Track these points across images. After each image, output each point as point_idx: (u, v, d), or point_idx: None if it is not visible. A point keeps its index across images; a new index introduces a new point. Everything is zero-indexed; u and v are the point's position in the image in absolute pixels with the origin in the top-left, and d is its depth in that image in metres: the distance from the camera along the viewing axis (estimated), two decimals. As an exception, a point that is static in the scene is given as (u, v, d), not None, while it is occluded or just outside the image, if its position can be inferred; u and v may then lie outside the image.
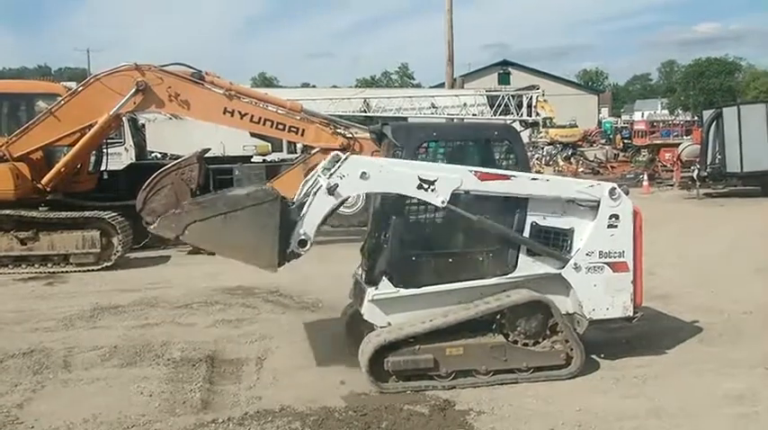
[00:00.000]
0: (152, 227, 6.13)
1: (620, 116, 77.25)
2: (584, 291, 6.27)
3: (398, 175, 5.97)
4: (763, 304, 8.66)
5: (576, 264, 6.23)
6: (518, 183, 6.13)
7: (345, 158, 6.00)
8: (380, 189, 6.14)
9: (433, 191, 5.92)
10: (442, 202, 5.94)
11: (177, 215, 5.92)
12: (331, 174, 5.91)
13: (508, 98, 21.48)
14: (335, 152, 6.27)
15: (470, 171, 6.02)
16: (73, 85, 15.21)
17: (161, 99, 12.19)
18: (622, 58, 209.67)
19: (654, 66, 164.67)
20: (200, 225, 5.85)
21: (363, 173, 5.90)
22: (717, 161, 22.15)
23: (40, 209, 12.22)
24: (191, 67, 12.73)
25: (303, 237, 5.94)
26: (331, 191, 5.87)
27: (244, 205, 5.81)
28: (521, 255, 6.21)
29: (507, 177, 6.11)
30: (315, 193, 5.98)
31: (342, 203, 6.16)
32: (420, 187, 5.92)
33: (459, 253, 6.26)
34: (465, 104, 21.09)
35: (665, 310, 8.39)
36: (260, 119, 12.72)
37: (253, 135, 15.64)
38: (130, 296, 9.81)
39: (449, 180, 5.94)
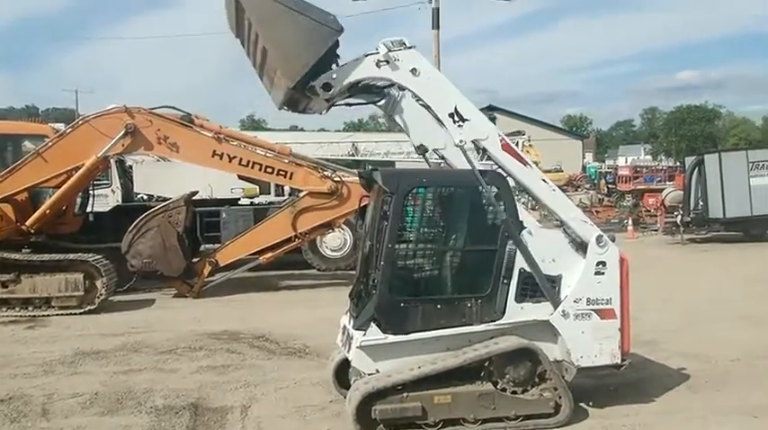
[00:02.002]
0: None
1: (604, 161, 78.35)
2: (573, 339, 6.26)
3: (441, 92, 6.18)
4: (750, 351, 8.68)
5: (563, 310, 6.23)
6: (528, 174, 6.34)
7: (409, 47, 6.12)
8: (418, 92, 6.20)
9: (459, 126, 6.12)
10: (461, 141, 6.09)
11: None
12: (388, 51, 6.00)
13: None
14: (403, 38, 6.25)
15: (499, 134, 6.25)
16: (61, 126, 15.23)
17: (150, 141, 12.23)
18: (605, 105, 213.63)
19: (636, 112, 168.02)
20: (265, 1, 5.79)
21: (415, 69, 6.07)
22: (699, 207, 22.42)
23: (23, 251, 12.08)
24: (180, 110, 12.83)
25: (330, 82, 5.96)
26: (379, 63, 5.99)
27: (310, 15, 5.75)
28: (509, 301, 6.20)
29: (524, 162, 6.32)
30: (366, 55, 6.06)
31: (375, 97, 6.32)
32: (451, 116, 6.11)
33: (447, 299, 6.24)
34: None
35: (652, 357, 8.38)
36: (248, 162, 12.79)
37: (240, 178, 15.67)
38: (113, 341, 9.66)
39: (478, 128, 6.17)
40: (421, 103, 6.30)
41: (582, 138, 77.48)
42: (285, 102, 6.30)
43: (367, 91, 6.41)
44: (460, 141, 6.10)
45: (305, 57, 5.79)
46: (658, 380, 7.56)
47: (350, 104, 6.53)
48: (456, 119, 6.09)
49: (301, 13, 5.77)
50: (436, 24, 27.92)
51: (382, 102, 6.49)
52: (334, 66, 6.03)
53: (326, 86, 5.95)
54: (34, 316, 11.56)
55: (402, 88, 6.29)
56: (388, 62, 6.01)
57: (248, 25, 6.12)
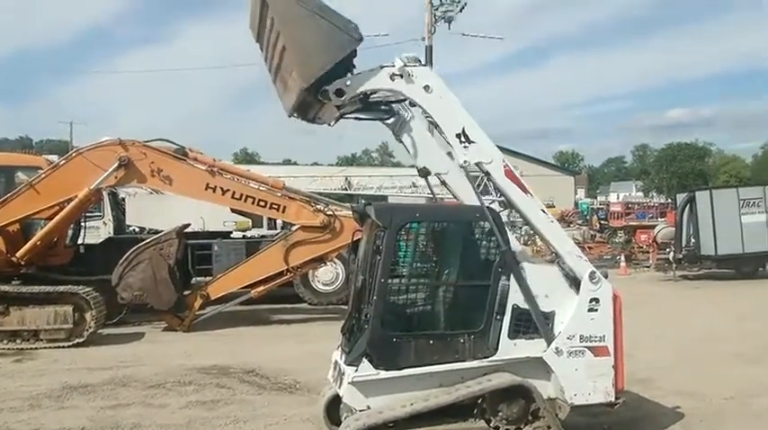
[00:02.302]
0: None
1: (596, 197, 78.74)
2: (566, 376, 6.21)
3: (451, 112, 6.19)
4: (744, 389, 8.64)
5: (557, 347, 6.19)
6: (529, 203, 6.34)
7: (424, 64, 6.19)
8: (429, 109, 6.21)
9: (465, 147, 6.14)
10: (464, 162, 6.12)
11: None
12: (404, 65, 6.04)
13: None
14: (418, 55, 6.35)
15: (503, 160, 6.28)
16: (55, 157, 15.24)
17: (143, 174, 12.26)
18: (597, 141, 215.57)
19: (627, 149, 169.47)
20: (291, 2, 5.83)
21: (428, 86, 6.09)
22: (691, 244, 22.50)
23: (13, 282, 11.98)
24: (174, 143, 12.87)
25: (344, 88, 5.94)
26: (393, 76, 6.03)
27: (332, 20, 5.79)
28: (502, 337, 6.16)
29: (525, 190, 6.33)
30: (382, 67, 6.09)
31: (384, 115, 6.33)
32: (458, 136, 6.13)
33: (440, 335, 6.19)
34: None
35: (646, 395, 8.32)
36: (242, 195, 12.83)
37: (233, 211, 15.67)
38: (101, 374, 9.54)
39: (483, 151, 6.18)
40: (429, 119, 6.35)
41: (574, 175, 77.88)
42: (296, 106, 6.29)
43: (377, 108, 6.46)
44: (465, 162, 6.15)
45: (322, 59, 5.84)
46: (653, 418, 7.50)
47: (359, 118, 6.53)
48: (463, 140, 6.14)
49: (324, 18, 5.84)
50: (429, 61, 28.27)
51: (391, 120, 6.54)
52: (348, 74, 6.07)
53: (339, 92, 5.98)
54: (22, 349, 11.41)
55: (413, 104, 6.34)
56: (402, 76, 6.07)
57: (270, 24, 6.17)
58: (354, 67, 6.09)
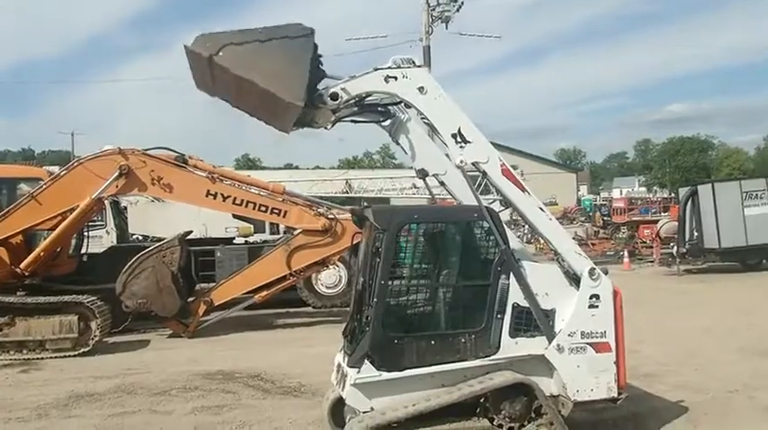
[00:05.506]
0: (189, 45, 5.97)
1: (598, 193, 78.67)
2: (568, 373, 6.22)
3: (446, 112, 6.21)
4: (748, 383, 8.64)
5: (558, 344, 6.20)
6: (526, 201, 6.34)
7: (419, 66, 6.23)
8: (424, 110, 6.24)
9: (461, 147, 6.17)
10: (461, 162, 6.14)
11: (215, 35, 5.87)
12: (398, 67, 6.09)
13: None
14: (413, 57, 6.41)
15: (499, 159, 6.27)
16: (56, 169, 15.29)
17: (144, 182, 12.29)
18: (598, 138, 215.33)
19: (629, 144, 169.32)
20: (237, 48, 5.88)
21: (422, 87, 6.13)
22: (695, 238, 22.47)
23: (18, 293, 12.03)
24: (174, 151, 12.90)
25: (339, 92, 6.01)
26: (387, 78, 6.07)
27: (280, 35, 5.87)
28: (503, 336, 6.18)
29: (523, 189, 6.33)
30: (376, 69, 6.14)
31: (381, 117, 6.40)
32: (454, 136, 6.16)
33: (441, 335, 6.21)
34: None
35: (651, 389, 8.33)
36: (243, 201, 12.85)
37: (235, 217, 15.72)
38: (107, 383, 9.57)
39: (479, 151, 6.20)
40: (426, 121, 6.38)
41: (576, 171, 77.87)
42: (293, 123, 6.31)
43: (373, 110, 6.50)
44: (461, 162, 6.15)
45: (297, 73, 5.89)
46: (657, 413, 7.51)
47: (355, 121, 6.55)
48: (458, 140, 6.16)
49: (272, 38, 5.90)
50: (427, 62, 28.33)
51: (387, 122, 6.57)
52: (321, 66, 6.10)
53: (334, 96, 6.05)
54: (28, 359, 11.46)
55: (408, 106, 6.37)
56: (396, 78, 6.11)
57: (234, 81, 6.13)
58: (321, 56, 6.13)
